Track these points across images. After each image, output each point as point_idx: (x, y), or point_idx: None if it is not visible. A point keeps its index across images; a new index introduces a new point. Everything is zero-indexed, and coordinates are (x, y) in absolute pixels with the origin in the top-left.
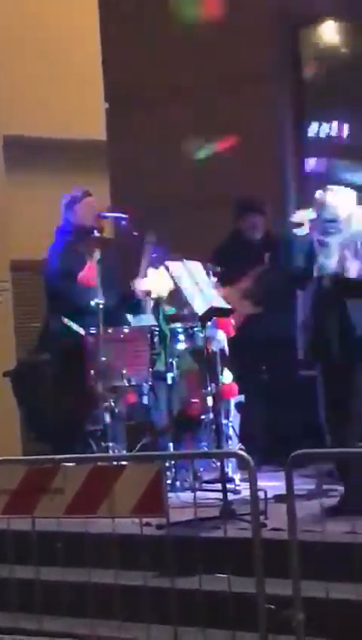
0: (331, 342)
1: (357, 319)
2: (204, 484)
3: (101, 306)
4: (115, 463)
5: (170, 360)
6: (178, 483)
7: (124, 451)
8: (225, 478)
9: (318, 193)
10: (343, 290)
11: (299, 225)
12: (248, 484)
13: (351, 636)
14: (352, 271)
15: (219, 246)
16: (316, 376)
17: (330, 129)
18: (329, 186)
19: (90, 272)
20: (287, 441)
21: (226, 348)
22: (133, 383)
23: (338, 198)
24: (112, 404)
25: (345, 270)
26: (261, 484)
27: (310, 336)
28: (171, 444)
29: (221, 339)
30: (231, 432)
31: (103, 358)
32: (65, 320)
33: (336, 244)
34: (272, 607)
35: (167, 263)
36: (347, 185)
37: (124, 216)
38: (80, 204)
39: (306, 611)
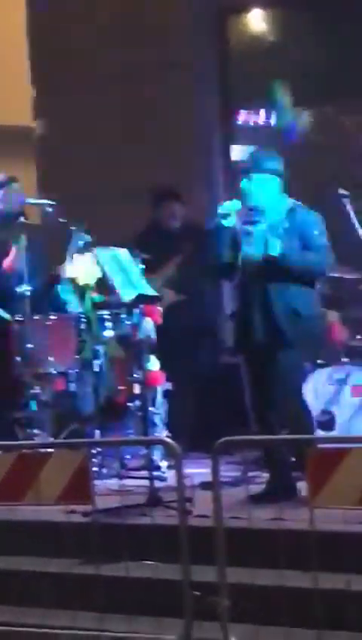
0: (256, 331)
1: (279, 306)
2: (130, 472)
3: (27, 293)
4: (41, 450)
5: (97, 347)
6: (104, 470)
7: (51, 439)
8: (151, 466)
9: (242, 182)
10: (267, 274)
11: (226, 216)
12: (174, 471)
13: (276, 622)
14: (275, 248)
15: (137, 235)
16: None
17: (258, 117)
18: (252, 175)
19: (15, 259)
20: (213, 429)
21: (153, 335)
22: (60, 370)
23: (261, 186)
24: (38, 391)
25: (268, 251)
26: (187, 471)
27: (236, 326)
28: (98, 432)
29: (148, 326)
30: (157, 419)
31: (29, 345)
32: None
33: (260, 232)
34: (198, 593)
35: (94, 249)
36: (271, 172)
37: (50, 202)
38: (4, 189)
39: (231, 598)
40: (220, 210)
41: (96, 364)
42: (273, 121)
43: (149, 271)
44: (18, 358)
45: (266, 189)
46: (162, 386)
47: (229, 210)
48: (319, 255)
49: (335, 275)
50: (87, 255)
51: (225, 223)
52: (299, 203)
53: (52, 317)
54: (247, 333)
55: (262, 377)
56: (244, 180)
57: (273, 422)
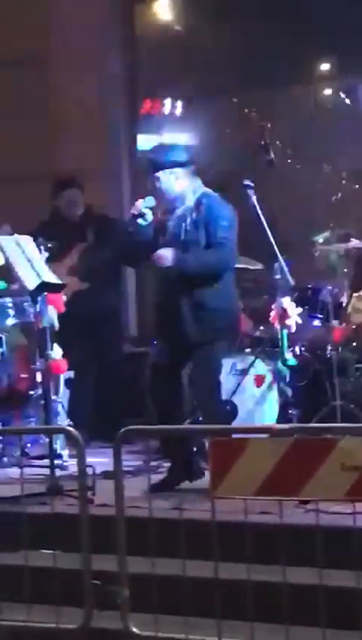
0: (170, 326)
1: (185, 301)
2: (31, 460)
3: None
4: None
5: None
6: (5, 459)
7: None
8: (52, 454)
9: (156, 176)
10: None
11: (141, 215)
12: (76, 460)
13: (176, 611)
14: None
15: (40, 223)
16: (147, 353)
17: (163, 106)
18: (158, 173)
19: None
20: (115, 418)
21: (56, 324)
22: None
23: (171, 177)
24: None
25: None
26: (89, 460)
27: (159, 316)
28: None
29: (51, 314)
30: (59, 408)
31: None
32: None
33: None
34: (98, 582)
35: None
36: (177, 164)
37: None
38: None
39: (131, 587)
40: (134, 211)
41: None
42: (178, 110)
43: (53, 259)
44: None
45: (174, 183)
46: (64, 374)
47: (145, 208)
48: (219, 252)
49: (239, 265)
50: None
51: (142, 222)
52: (211, 193)
53: None
54: (163, 326)
55: (173, 369)
56: (155, 175)
57: (175, 412)
